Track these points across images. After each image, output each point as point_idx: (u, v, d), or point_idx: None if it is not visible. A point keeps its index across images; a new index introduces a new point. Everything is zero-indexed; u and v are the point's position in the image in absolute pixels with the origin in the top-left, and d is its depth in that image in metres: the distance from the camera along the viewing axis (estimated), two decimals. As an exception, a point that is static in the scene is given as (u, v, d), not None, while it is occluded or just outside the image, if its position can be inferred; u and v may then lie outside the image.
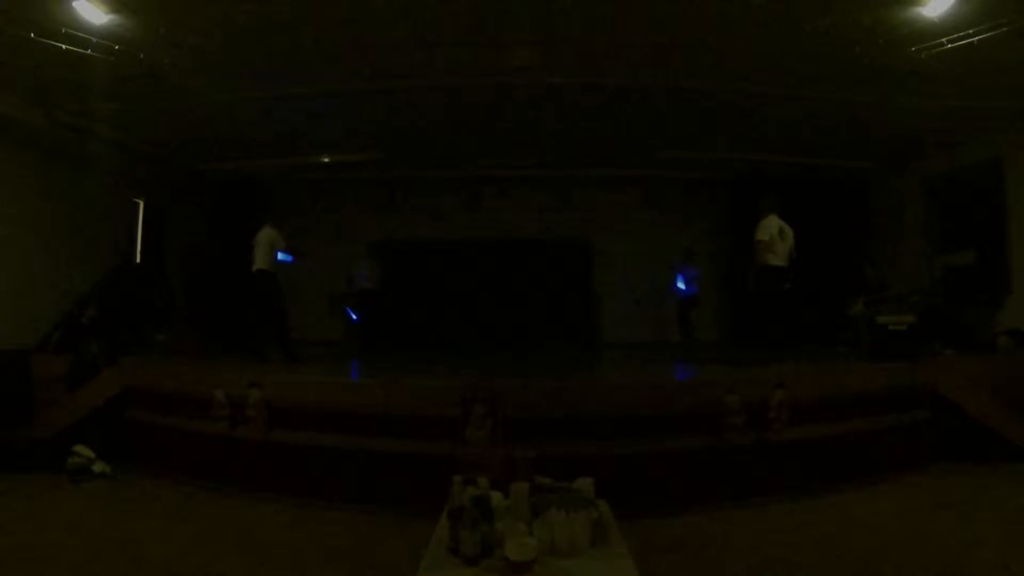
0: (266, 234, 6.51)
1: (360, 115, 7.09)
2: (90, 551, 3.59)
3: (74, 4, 4.39)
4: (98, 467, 5.20)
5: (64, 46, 4.74)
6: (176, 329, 8.05)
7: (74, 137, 6.92)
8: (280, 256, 6.55)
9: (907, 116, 6.78)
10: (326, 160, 8.83)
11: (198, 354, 7.16)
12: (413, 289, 9.93)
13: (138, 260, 9.00)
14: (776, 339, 6.08)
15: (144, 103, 6.28)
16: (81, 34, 4.71)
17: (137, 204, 9.06)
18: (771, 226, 5.90)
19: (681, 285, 8.23)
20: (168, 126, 7.30)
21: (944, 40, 4.83)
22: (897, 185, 9.32)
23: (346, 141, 8.15)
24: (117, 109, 6.38)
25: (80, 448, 5.23)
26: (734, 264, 10.02)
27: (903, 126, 7.23)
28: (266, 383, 4.73)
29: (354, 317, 8.75)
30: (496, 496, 2.63)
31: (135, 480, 5.11)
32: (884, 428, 5.00)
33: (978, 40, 4.72)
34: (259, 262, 6.44)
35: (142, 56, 5.08)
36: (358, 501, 4.41)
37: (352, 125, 7.46)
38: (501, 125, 7.52)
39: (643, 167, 9.47)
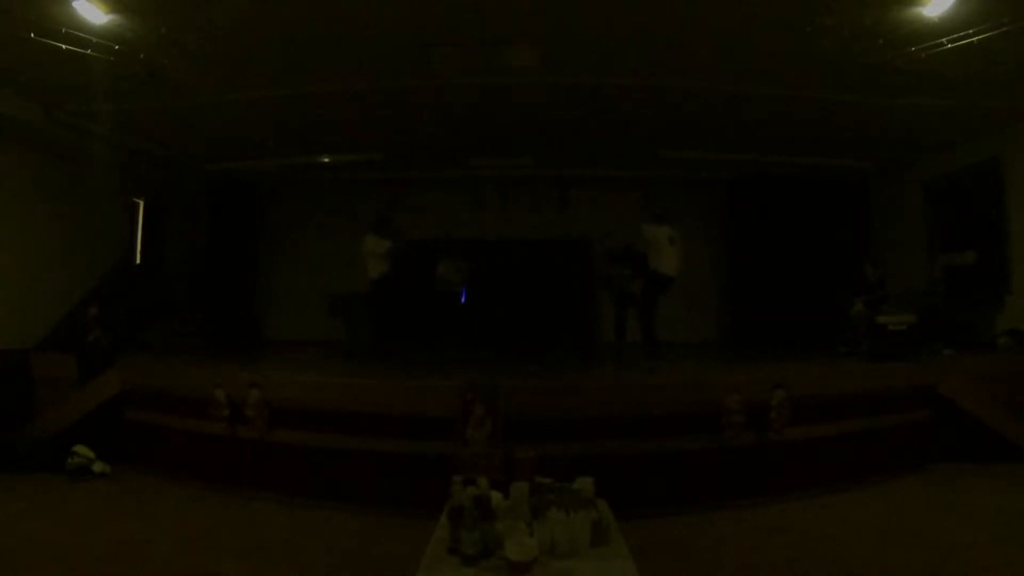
0: (369, 242, 6.45)
1: (360, 115, 7.08)
2: (90, 551, 3.59)
3: (74, 4, 4.38)
4: (98, 467, 5.20)
5: (64, 46, 4.73)
6: (176, 329, 8.06)
7: (74, 137, 6.91)
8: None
9: (907, 116, 6.76)
10: (326, 160, 8.83)
11: (198, 354, 7.15)
12: (413, 289, 9.90)
13: (138, 260, 9.00)
14: (652, 337, 6.53)
15: (144, 103, 6.26)
16: (81, 34, 4.69)
17: (137, 204, 9.06)
18: (660, 234, 6.38)
19: None
20: (168, 126, 7.28)
21: (944, 40, 4.81)
22: (897, 185, 9.30)
23: (346, 141, 8.14)
24: (117, 109, 6.37)
25: (80, 448, 5.23)
26: (734, 265, 10.04)
27: (903, 126, 7.21)
28: (266, 383, 4.73)
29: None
30: (496, 496, 2.64)
31: (135, 480, 5.12)
32: (884, 428, 5.00)
33: (978, 40, 4.71)
34: (370, 272, 6.40)
35: (142, 56, 5.07)
36: (358, 501, 4.41)
37: (352, 125, 7.45)
38: (501, 125, 7.51)
39: (643, 167, 9.45)
